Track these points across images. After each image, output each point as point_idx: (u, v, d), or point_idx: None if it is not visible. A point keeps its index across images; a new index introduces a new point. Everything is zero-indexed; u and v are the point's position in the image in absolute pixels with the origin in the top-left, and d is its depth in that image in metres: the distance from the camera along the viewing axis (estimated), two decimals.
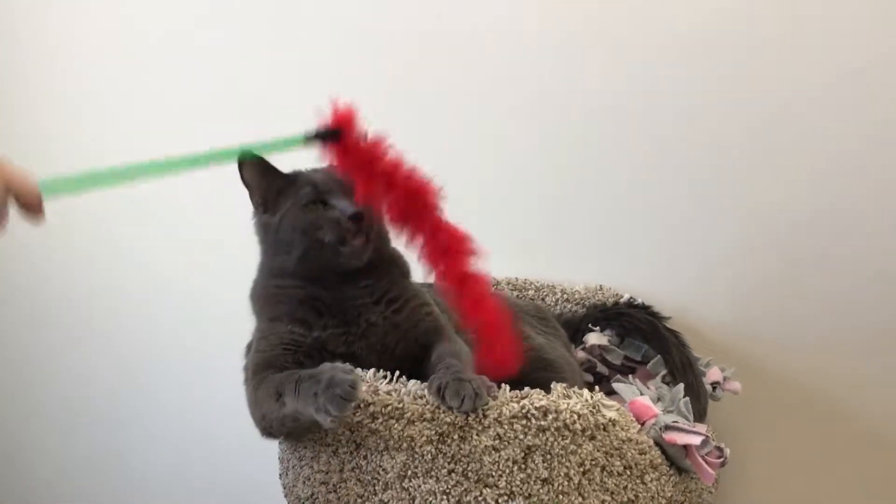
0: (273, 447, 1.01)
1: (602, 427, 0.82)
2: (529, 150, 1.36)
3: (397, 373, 0.86)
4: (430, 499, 0.82)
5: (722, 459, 0.91)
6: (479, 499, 0.81)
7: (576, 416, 0.80)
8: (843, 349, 1.27)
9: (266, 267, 0.97)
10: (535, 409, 0.80)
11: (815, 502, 1.33)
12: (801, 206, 1.25)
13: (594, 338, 1.17)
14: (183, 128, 1.50)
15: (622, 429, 0.83)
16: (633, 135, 1.30)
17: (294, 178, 0.94)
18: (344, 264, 0.90)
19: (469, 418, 0.80)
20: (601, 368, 1.16)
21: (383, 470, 0.84)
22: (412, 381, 0.84)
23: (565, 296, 1.31)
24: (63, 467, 1.71)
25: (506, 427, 0.80)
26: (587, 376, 1.16)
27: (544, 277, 1.35)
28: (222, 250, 1.45)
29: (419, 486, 0.82)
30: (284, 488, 0.98)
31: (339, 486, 0.88)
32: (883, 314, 1.25)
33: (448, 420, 0.80)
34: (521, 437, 0.80)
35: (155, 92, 1.52)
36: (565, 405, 0.81)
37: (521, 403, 0.80)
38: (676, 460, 0.89)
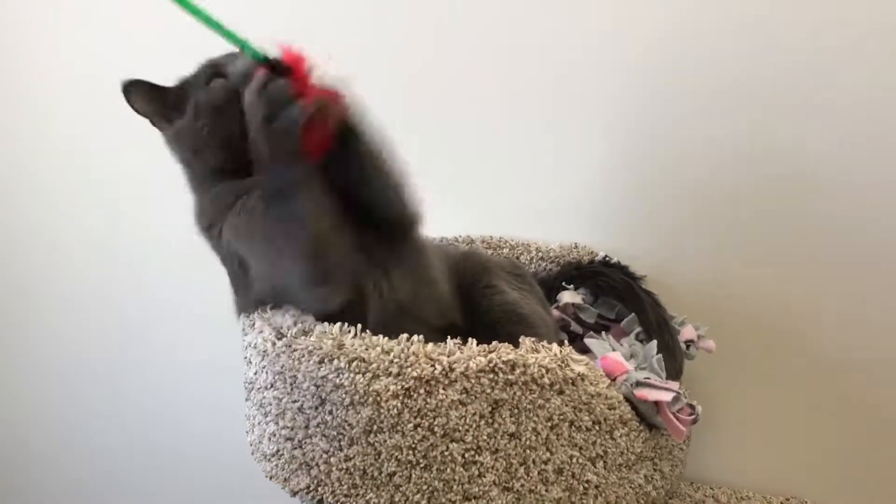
0: (240, 405, 0.99)
1: (570, 381, 0.81)
2: (503, 107, 1.33)
3: (358, 326, 0.84)
4: (396, 454, 0.81)
5: (693, 416, 0.90)
6: (446, 454, 0.80)
7: (544, 371, 0.79)
8: (822, 311, 1.26)
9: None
10: (503, 363, 0.78)
11: (790, 462, 1.33)
12: (779, 165, 1.23)
13: (568, 296, 1.16)
14: None
15: (591, 383, 0.82)
16: (606, 92, 1.27)
17: (186, 82, 0.89)
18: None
19: (436, 372, 0.78)
20: (575, 327, 1.15)
21: (349, 425, 0.82)
22: (378, 336, 0.82)
23: (540, 254, 1.29)
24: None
25: (472, 381, 0.78)
26: (561, 335, 1.15)
27: (519, 236, 1.33)
28: None
29: (385, 441, 0.81)
30: (251, 446, 0.97)
31: (305, 443, 0.86)
32: (866, 271, 1.23)
33: (414, 374, 0.78)
34: (489, 391, 0.78)
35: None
36: (533, 359, 0.79)
37: (488, 357, 0.78)
38: (647, 416, 0.88)
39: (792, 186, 1.22)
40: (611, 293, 1.13)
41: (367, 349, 0.80)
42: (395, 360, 0.79)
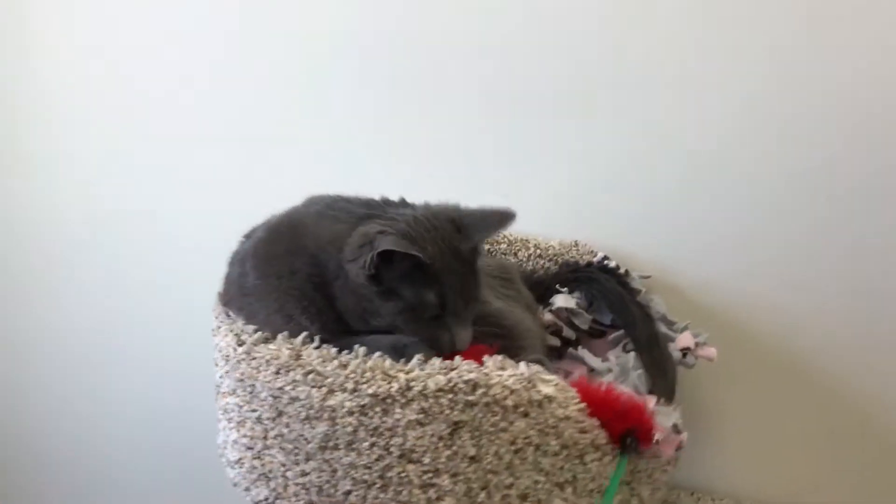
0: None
1: (537, 404, 0.76)
2: (506, 98, 1.26)
3: (317, 339, 0.80)
4: (352, 472, 0.77)
5: (678, 442, 0.85)
6: (403, 475, 0.76)
7: (508, 392, 0.74)
8: (833, 315, 1.19)
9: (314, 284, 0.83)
10: (464, 382, 0.74)
11: (795, 473, 1.27)
12: (793, 161, 1.15)
13: (561, 300, 1.10)
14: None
15: (560, 406, 0.77)
16: (613, 86, 1.20)
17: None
18: None
19: (392, 390, 0.74)
20: (567, 332, 1.09)
21: (305, 440, 0.79)
22: (335, 350, 0.78)
23: (538, 251, 1.24)
24: None
25: (431, 401, 0.74)
26: (554, 340, 1.09)
27: (520, 230, 1.27)
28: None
29: (340, 459, 0.78)
30: (219, 449, 0.94)
31: (264, 454, 0.83)
32: (880, 275, 1.16)
33: (370, 392, 0.74)
34: (448, 412, 0.74)
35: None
36: (497, 379, 0.74)
37: (448, 376, 0.74)
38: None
39: (803, 186, 1.15)
40: (603, 301, 1.07)
41: (323, 362, 0.77)
42: (351, 376, 0.75)
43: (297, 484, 0.81)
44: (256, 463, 0.84)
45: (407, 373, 0.74)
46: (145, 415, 1.62)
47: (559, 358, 1.08)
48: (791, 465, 1.26)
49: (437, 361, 0.76)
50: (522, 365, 0.77)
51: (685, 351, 1.05)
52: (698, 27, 1.14)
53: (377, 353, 0.76)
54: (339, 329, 0.82)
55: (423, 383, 0.74)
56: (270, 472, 0.83)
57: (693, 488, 1.29)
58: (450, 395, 0.74)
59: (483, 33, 1.23)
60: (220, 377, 0.88)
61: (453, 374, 0.74)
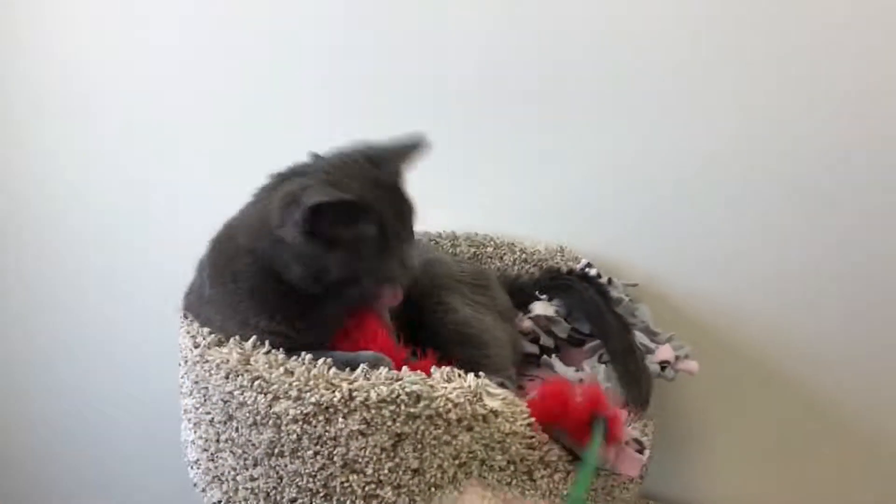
0: None
1: (481, 418, 0.74)
2: (493, 100, 1.24)
3: (268, 344, 0.79)
4: (297, 480, 0.77)
5: (641, 459, 0.82)
6: (346, 485, 0.75)
7: (451, 405, 0.73)
8: (828, 329, 1.14)
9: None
10: (406, 394, 0.72)
11: (782, 489, 1.23)
12: (787, 171, 1.10)
13: (540, 307, 1.09)
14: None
15: (506, 420, 0.75)
16: (601, 88, 1.17)
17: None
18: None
19: (335, 400, 0.73)
20: (545, 340, 1.07)
21: (253, 445, 0.79)
22: (283, 356, 0.77)
23: (524, 255, 1.22)
24: None
25: (373, 412, 0.73)
26: (532, 347, 1.07)
27: (506, 233, 1.25)
28: None
29: (286, 466, 0.77)
30: (182, 445, 0.95)
31: (217, 457, 0.84)
32: (878, 283, 1.11)
33: (313, 400, 0.73)
34: (390, 423, 0.73)
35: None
36: (441, 392, 0.73)
37: (391, 387, 0.73)
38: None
39: (796, 193, 1.10)
40: (580, 311, 1.04)
41: (270, 368, 0.76)
42: (296, 384, 0.74)
43: (245, 488, 0.81)
44: (210, 465, 0.84)
45: (350, 382, 0.73)
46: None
47: (538, 366, 1.07)
48: (776, 478, 1.23)
49: (383, 371, 0.75)
50: (471, 377, 0.75)
51: (664, 364, 1.02)
52: (693, 32, 1.10)
53: (322, 360, 0.75)
54: (305, 315, 0.82)
55: (365, 393, 0.73)
56: (223, 474, 0.83)
57: (676, 501, 1.26)
58: (392, 407, 0.72)
59: (469, 33, 1.21)
60: (181, 378, 0.89)
61: (396, 385, 0.73)
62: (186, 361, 0.85)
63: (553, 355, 1.02)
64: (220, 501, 0.85)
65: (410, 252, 0.81)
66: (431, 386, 0.73)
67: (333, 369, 0.75)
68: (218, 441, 0.82)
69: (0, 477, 1.81)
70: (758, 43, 1.08)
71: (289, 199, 0.75)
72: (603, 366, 0.97)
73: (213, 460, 0.84)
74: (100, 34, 1.46)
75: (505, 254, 1.22)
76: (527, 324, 1.09)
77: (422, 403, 0.72)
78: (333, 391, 0.73)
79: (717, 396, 1.20)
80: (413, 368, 0.76)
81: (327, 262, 0.77)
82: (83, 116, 1.51)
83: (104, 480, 1.77)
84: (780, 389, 1.17)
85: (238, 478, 0.81)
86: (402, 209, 0.82)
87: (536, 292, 1.10)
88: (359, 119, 1.30)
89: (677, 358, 1.03)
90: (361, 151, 0.83)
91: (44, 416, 1.76)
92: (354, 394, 0.73)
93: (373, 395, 0.72)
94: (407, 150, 0.84)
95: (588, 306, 1.03)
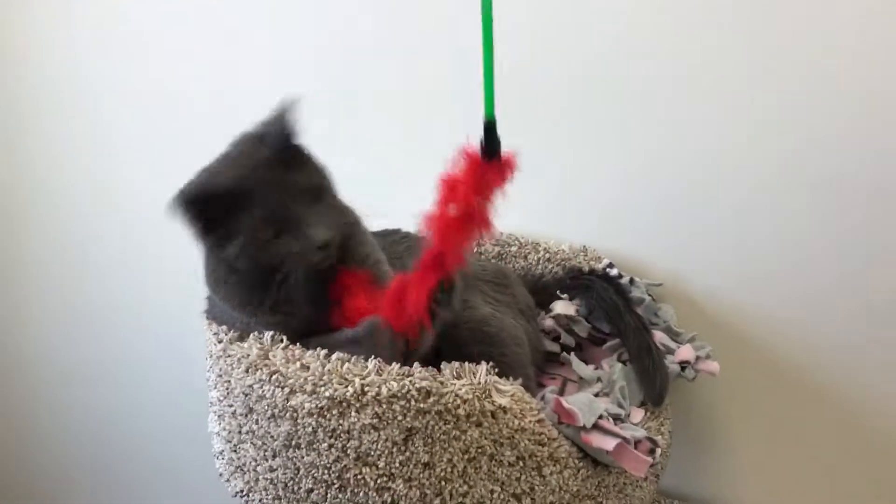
0: None
1: (490, 414, 0.76)
2: (516, 102, 1.24)
3: (285, 339, 0.82)
4: (313, 471, 0.79)
5: (652, 457, 0.83)
6: (359, 477, 0.78)
7: (460, 401, 0.74)
8: (855, 328, 1.12)
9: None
10: (416, 390, 0.74)
11: (806, 491, 1.21)
12: (810, 169, 1.09)
13: (561, 306, 1.09)
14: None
15: (515, 416, 0.76)
16: (626, 90, 1.17)
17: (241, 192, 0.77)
18: None
19: (347, 394, 0.75)
20: (566, 339, 1.08)
21: (271, 437, 0.82)
22: (302, 350, 0.80)
23: (548, 255, 1.22)
24: None
25: (384, 406, 0.75)
26: (553, 346, 1.08)
27: (531, 233, 1.26)
28: None
29: (302, 458, 0.80)
30: (209, 437, 0.98)
31: (239, 447, 0.87)
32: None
33: (327, 395, 0.76)
34: (401, 418, 0.75)
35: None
36: (450, 388, 0.75)
37: (401, 383, 0.75)
38: (598, 456, 0.82)
39: (823, 191, 1.08)
40: (600, 311, 1.05)
41: (287, 363, 0.79)
42: (311, 378, 0.77)
43: (265, 479, 0.84)
44: (233, 456, 0.88)
45: (363, 377, 0.75)
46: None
47: (560, 364, 1.08)
48: (796, 478, 1.21)
49: (395, 367, 0.77)
50: (481, 373, 0.77)
51: (684, 364, 1.02)
52: (714, 35, 1.09)
53: (336, 356, 0.77)
54: (292, 300, 0.83)
55: (377, 388, 0.75)
56: (244, 465, 0.86)
57: (696, 499, 1.26)
58: (402, 402, 0.74)
59: (500, 34, 1.22)
60: (207, 371, 0.92)
61: (407, 381, 0.74)
62: (211, 355, 0.88)
63: (572, 353, 1.02)
64: (242, 491, 0.88)
65: (312, 228, 0.77)
66: (441, 382, 0.75)
67: (347, 364, 0.77)
68: (240, 433, 0.85)
69: (27, 473, 1.87)
70: (778, 44, 1.06)
71: (171, 208, 0.77)
72: (621, 364, 0.97)
73: (235, 451, 0.87)
74: (100, 34, 1.50)
75: (529, 253, 1.23)
76: (548, 322, 1.10)
77: (431, 399, 0.74)
78: (346, 386, 0.75)
79: (739, 396, 1.19)
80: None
81: (236, 253, 0.78)
82: (91, 117, 1.56)
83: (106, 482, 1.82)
84: (802, 391, 1.15)
85: (258, 468, 0.84)
86: (290, 186, 0.78)
87: (558, 291, 1.10)
88: (385, 126, 1.32)
89: (698, 358, 1.03)
90: (247, 135, 0.82)
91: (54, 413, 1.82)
92: (366, 389, 0.75)
93: (384, 390, 0.74)
94: (283, 122, 0.80)
95: (607, 306, 1.03)
